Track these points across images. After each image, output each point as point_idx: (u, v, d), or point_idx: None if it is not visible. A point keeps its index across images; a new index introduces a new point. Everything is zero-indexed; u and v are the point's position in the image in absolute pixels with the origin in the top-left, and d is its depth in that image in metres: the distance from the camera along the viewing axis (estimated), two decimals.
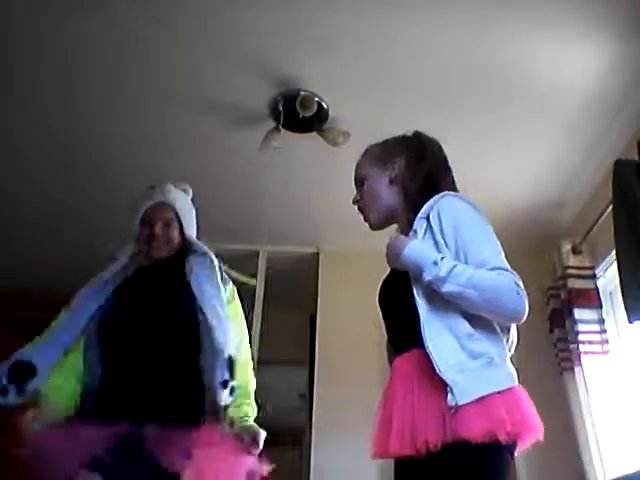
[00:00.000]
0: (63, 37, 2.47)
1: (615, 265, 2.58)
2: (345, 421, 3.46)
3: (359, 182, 1.63)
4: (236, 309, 1.99)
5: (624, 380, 2.89)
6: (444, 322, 1.31)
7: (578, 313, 3.06)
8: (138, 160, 3.25)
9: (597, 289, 3.14)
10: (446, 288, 1.28)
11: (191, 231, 2.03)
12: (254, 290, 3.96)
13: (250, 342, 3.77)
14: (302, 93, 2.72)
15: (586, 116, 2.85)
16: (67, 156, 3.21)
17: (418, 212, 1.43)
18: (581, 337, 3.01)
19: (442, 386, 1.24)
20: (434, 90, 2.73)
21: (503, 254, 1.37)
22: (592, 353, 2.96)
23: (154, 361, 1.74)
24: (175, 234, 1.97)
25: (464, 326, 1.30)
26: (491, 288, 1.28)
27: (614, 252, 2.60)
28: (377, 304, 1.55)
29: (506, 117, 2.89)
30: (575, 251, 3.24)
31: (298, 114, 2.73)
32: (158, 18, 2.39)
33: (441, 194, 1.44)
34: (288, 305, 4.29)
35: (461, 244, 1.36)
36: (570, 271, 3.19)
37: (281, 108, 2.78)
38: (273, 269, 4.06)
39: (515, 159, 3.19)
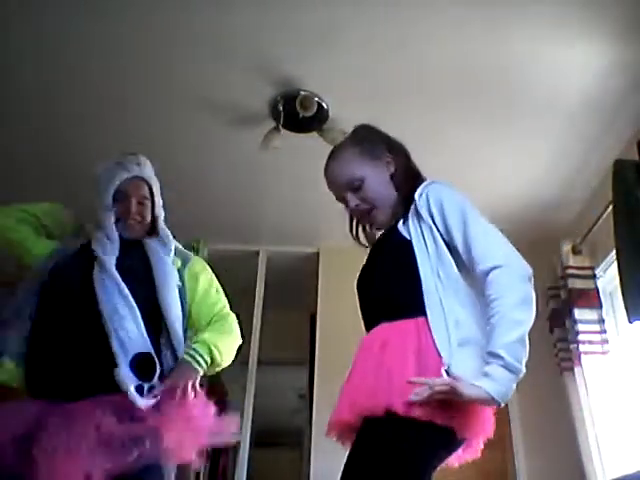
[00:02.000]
0: (61, 38, 2.47)
1: (615, 265, 2.59)
2: None
3: (352, 186, 1.53)
4: (204, 279, 1.90)
5: (624, 380, 2.89)
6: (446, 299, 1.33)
7: (578, 313, 3.06)
8: None
9: (597, 289, 3.14)
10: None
11: (160, 211, 1.91)
12: (254, 290, 3.97)
13: (250, 342, 3.80)
14: (302, 93, 2.72)
15: (586, 116, 2.85)
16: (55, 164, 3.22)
17: (408, 197, 1.46)
18: (581, 337, 3.00)
19: (406, 361, 1.26)
20: (434, 90, 2.73)
21: (489, 229, 1.37)
22: (592, 353, 2.96)
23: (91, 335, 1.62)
24: (148, 213, 1.86)
25: (456, 311, 1.31)
26: (513, 308, 1.25)
27: (614, 252, 2.60)
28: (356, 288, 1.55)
29: (506, 117, 2.89)
30: (575, 251, 3.24)
31: (298, 114, 2.73)
32: (158, 18, 2.40)
33: (429, 182, 1.47)
34: (288, 305, 4.29)
35: (453, 236, 1.37)
36: (570, 271, 3.19)
37: (281, 108, 2.78)
38: (273, 269, 4.07)
39: (515, 159, 3.18)
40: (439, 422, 1.20)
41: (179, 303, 1.78)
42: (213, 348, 1.71)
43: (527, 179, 3.32)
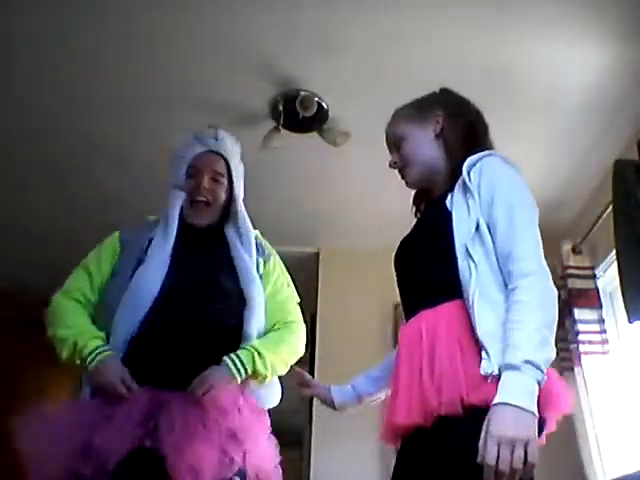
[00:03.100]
0: (60, 38, 2.47)
1: (615, 265, 2.58)
2: (345, 421, 3.45)
3: (395, 144, 1.53)
4: (274, 280, 1.72)
5: (624, 380, 2.88)
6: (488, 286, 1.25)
7: (578, 313, 3.05)
8: (137, 160, 3.24)
9: (597, 289, 3.14)
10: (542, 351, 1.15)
11: (240, 192, 1.70)
12: None
13: None
14: (302, 93, 2.72)
15: (586, 116, 2.85)
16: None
17: (460, 167, 1.36)
18: (581, 337, 3.00)
19: (460, 348, 1.19)
20: (434, 90, 2.72)
21: (536, 235, 1.36)
22: (592, 353, 2.96)
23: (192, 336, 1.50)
24: (222, 192, 1.67)
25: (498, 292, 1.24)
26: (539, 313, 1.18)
27: (614, 252, 2.60)
28: (394, 264, 1.47)
29: (506, 117, 2.89)
30: (575, 251, 3.24)
31: (298, 114, 2.73)
32: (158, 18, 2.40)
33: (487, 152, 1.39)
34: None
35: (495, 219, 1.30)
36: (570, 271, 3.18)
37: (281, 108, 2.78)
38: None
39: (515, 159, 3.16)
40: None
41: (263, 318, 1.60)
42: (257, 358, 1.53)
43: (527, 179, 3.29)
